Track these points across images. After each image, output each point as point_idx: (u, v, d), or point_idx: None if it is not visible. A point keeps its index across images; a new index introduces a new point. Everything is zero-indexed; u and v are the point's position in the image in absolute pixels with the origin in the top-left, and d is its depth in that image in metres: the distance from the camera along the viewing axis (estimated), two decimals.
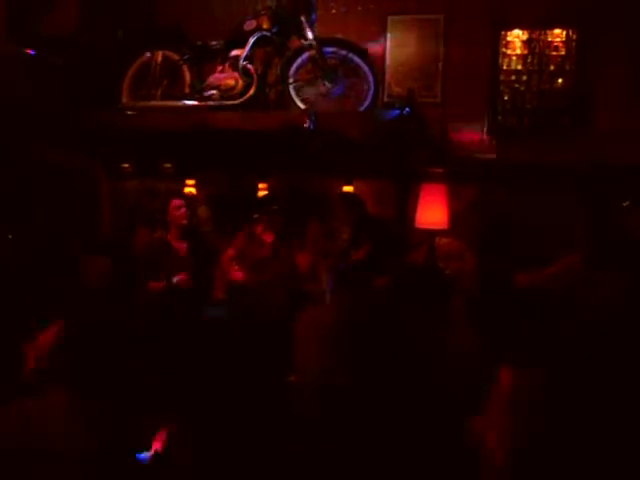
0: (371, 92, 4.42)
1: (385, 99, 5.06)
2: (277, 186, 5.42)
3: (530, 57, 4.98)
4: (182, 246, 4.45)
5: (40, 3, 4.97)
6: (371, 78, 4.43)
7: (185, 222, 4.42)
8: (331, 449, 1.80)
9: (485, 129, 5.03)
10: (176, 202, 4.41)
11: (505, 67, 5.01)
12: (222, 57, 4.63)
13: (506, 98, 5.02)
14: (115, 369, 2.24)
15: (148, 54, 4.85)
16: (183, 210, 4.40)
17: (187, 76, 4.76)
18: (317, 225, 4.71)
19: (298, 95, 4.47)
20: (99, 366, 2.08)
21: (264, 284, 4.41)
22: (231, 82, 4.50)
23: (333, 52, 4.44)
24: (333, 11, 5.21)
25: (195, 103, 4.63)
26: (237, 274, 4.52)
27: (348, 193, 5.19)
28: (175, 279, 4.24)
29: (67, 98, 4.79)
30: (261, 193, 5.42)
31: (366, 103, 4.42)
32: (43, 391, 2.01)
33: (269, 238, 4.61)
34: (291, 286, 4.41)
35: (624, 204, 4.53)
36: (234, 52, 4.57)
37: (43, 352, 2.49)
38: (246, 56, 4.52)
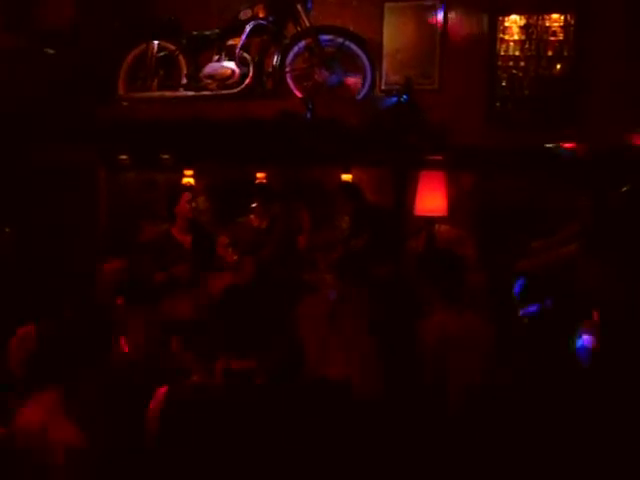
0: (368, 80, 4.41)
1: (382, 87, 5.04)
2: (275, 175, 5.42)
3: (528, 43, 4.96)
4: (186, 239, 4.47)
5: None
6: (368, 66, 4.41)
7: (191, 215, 4.47)
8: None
9: (483, 115, 5.01)
10: (187, 195, 4.47)
11: (502, 53, 4.98)
12: (218, 46, 4.61)
13: (504, 84, 5.00)
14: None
15: (144, 45, 4.83)
16: (192, 204, 4.48)
17: (183, 66, 4.75)
18: (305, 213, 4.75)
19: (295, 84, 4.45)
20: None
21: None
22: (228, 71, 4.48)
23: (330, 40, 4.42)
24: None
25: (192, 93, 4.62)
26: (232, 260, 4.56)
27: (347, 182, 5.19)
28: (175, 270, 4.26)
29: (63, 91, 4.78)
30: (258, 182, 5.43)
31: (363, 91, 4.41)
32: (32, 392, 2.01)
33: (263, 225, 4.68)
34: (287, 273, 4.45)
35: (623, 189, 4.52)
36: (230, 41, 4.56)
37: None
38: (242, 45, 4.50)
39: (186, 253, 4.39)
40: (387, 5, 5.16)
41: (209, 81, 4.55)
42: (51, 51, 4.88)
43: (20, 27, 4.89)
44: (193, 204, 4.51)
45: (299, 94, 4.40)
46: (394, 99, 4.35)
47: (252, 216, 4.79)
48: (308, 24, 4.37)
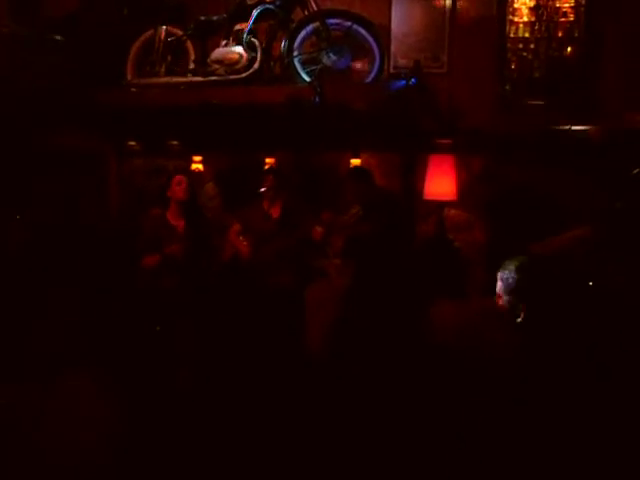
0: (377, 63, 4.38)
1: (391, 70, 5.00)
2: (284, 160, 5.40)
3: (538, 24, 4.90)
4: (180, 223, 4.32)
5: None
6: (376, 49, 4.38)
7: (184, 198, 4.28)
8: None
9: (492, 98, 4.97)
10: (178, 178, 4.29)
11: (512, 35, 4.93)
12: (226, 31, 4.59)
13: (513, 67, 4.95)
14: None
15: (151, 30, 4.83)
16: (184, 186, 4.26)
17: (191, 51, 4.74)
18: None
19: (303, 68, 4.43)
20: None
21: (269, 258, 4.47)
22: (235, 56, 4.46)
23: (337, 24, 4.39)
24: None
25: (199, 78, 4.61)
26: (244, 248, 4.55)
27: (357, 167, 5.16)
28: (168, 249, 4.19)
29: (71, 77, 4.78)
30: (268, 167, 5.41)
31: (372, 75, 4.38)
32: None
33: (275, 212, 4.64)
34: (298, 260, 4.44)
35: (634, 172, 4.49)
36: (238, 26, 4.54)
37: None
38: (250, 30, 4.48)
39: (179, 237, 4.24)
40: None
41: (217, 66, 4.54)
42: (58, 37, 4.87)
43: (28, 14, 4.89)
44: (184, 186, 4.34)
45: (307, 78, 4.38)
46: (403, 83, 4.32)
47: (264, 201, 4.71)
48: (316, 8, 4.34)
